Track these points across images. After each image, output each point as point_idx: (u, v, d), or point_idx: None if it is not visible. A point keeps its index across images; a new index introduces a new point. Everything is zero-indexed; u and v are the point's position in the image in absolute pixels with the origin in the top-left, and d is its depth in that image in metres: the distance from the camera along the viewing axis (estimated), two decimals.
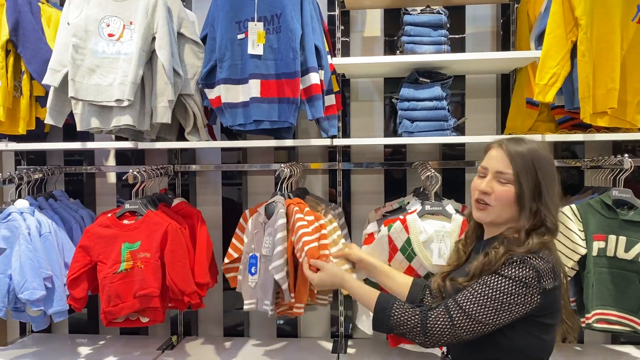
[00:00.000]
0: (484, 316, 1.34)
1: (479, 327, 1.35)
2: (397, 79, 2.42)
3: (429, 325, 1.37)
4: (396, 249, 2.03)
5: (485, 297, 1.35)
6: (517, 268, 1.35)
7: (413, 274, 2.01)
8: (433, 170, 2.06)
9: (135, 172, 2.13)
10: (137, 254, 2.09)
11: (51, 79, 2.11)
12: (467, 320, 1.35)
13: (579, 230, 1.98)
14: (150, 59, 2.12)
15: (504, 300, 1.33)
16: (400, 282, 1.76)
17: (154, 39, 2.10)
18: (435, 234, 2.00)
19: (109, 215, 2.17)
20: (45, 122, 2.20)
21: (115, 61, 2.10)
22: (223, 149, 2.65)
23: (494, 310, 1.34)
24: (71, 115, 2.21)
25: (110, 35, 2.12)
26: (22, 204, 2.23)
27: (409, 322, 1.40)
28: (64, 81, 2.10)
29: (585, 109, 1.98)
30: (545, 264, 1.36)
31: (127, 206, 2.16)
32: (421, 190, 2.30)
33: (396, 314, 1.43)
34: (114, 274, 2.09)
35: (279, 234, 1.96)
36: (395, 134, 2.34)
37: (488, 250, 1.43)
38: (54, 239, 2.20)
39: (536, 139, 2.11)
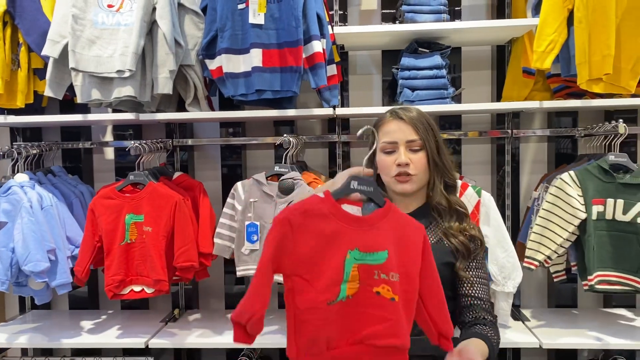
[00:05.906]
0: None
1: None
2: (395, 52, 2.44)
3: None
4: None
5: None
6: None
7: None
8: None
9: (136, 144, 2.14)
10: (142, 227, 2.10)
11: (51, 49, 2.09)
12: None
13: (579, 195, 2.01)
14: (150, 30, 2.10)
15: None
16: None
17: (154, 9, 2.08)
18: None
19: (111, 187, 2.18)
20: (44, 94, 2.16)
21: (116, 32, 2.09)
22: (221, 124, 2.66)
23: None
24: (69, 89, 2.18)
25: (110, 6, 2.10)
26: (22, 177, 2.21)
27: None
28: (64, 53, 2.08)
29: (582, 74, 2.03)
30: None
31: (131, 177, 2.16)
32: None
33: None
34: (119, 245, 2.10)
35: None
36: (395, 104, 2.37)
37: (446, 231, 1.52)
38: (55, 212, 2.19)
39: (534, 106, 2.17)
